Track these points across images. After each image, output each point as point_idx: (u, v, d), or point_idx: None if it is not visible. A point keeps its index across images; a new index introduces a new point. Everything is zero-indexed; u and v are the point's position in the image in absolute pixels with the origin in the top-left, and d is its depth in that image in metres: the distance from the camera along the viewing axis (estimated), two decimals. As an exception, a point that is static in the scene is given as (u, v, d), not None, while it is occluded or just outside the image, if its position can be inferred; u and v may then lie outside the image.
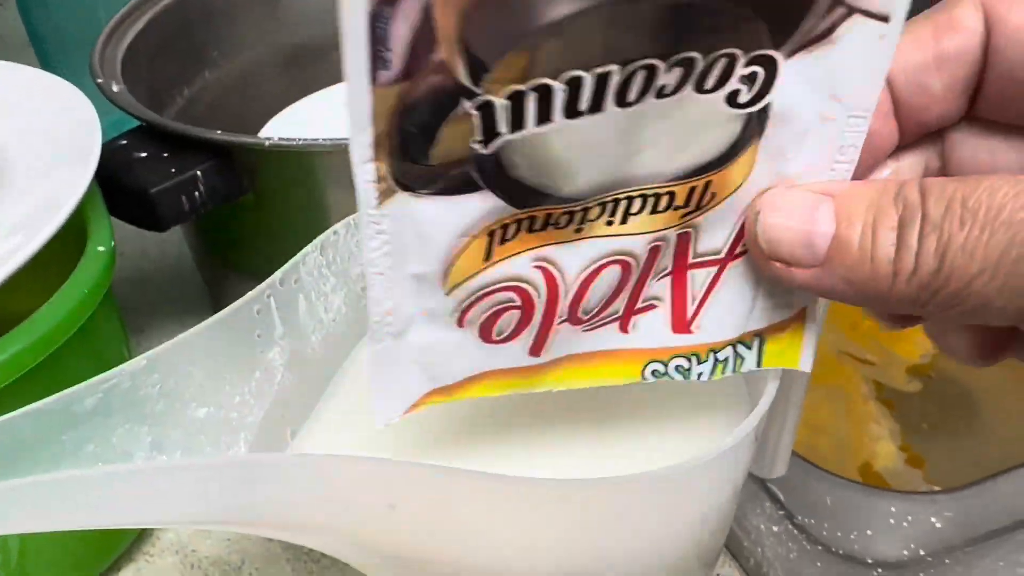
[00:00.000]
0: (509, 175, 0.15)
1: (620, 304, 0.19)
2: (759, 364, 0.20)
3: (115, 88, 0.34)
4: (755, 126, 0.16)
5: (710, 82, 0.15)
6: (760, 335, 0.20)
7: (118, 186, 0.31)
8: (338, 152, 0.30)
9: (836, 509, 0.30)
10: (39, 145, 0.31)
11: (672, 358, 0.20)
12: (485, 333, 0.18)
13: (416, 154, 0.14)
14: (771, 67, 0.15)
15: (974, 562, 0.28)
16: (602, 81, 0.14)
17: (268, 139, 0.30)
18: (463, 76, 0.13)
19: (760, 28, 0.15)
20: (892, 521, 0.29)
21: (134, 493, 0.17)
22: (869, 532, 0.29)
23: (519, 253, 0.17)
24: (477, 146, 0.15)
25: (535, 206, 0.16)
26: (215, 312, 0.41)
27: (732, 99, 0.16)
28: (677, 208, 0.17)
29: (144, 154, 0.32)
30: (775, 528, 0.29)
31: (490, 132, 0.14)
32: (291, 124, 0.43)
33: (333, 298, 0.24)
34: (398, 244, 0.16)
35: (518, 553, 0.19)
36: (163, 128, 0.32)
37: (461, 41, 0.13)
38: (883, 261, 0.16)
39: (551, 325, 0.18)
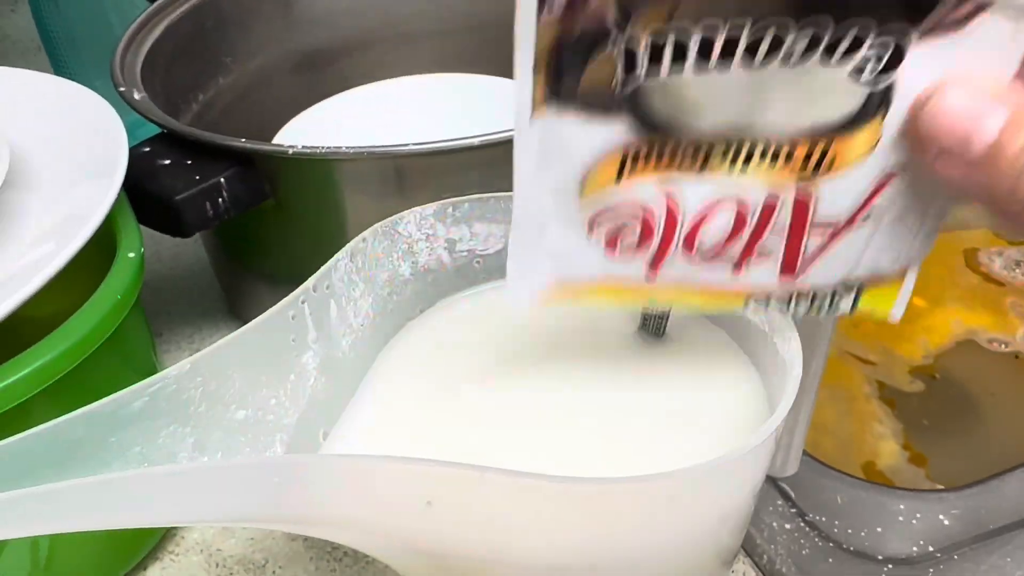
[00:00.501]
0: (645, 110, 0.18)
1: (734, 252, 0.21)
2: (852, 311, 0.22)
3: (137, 96, 0.35)
4: (878, 102, 0.18)
5: (838, 54, 0.17)
6: (860, 285, 0.21)
7: (143, 193, 0.31)
8: (359, 160, 0.31)
9: (847, 507, 0.31)
10: (65, 152, 0.31)
11: (774, 298, 0.22)
12: (610, 246, 0.20)
13: (568, 81, 0.17)
14: (900, 45, 0.17)
15: (982, 558, 0.29)
16: (733, 38, 0.17)
17: (292, 147, 0.30)
18: (610, 22, 0.17)
19: (895, 4, 0.16)
20: (901, 518, 0.30)
21: (180, 492, 0.18)
22: (879, 529, 0.30)
23: (647, 178, 0.19)
24: (618, 82, 0.17)
25: (666, 137, 0.18)
26: (232, 315, 0.41)
27: (857, 72, 0.17)
28: (796, 165, 0.19)
29: (168, 161, 0.32)
30: (787, 526, 0.30)
31: (629, 72, 0.17)
32: (305, 129, 0.44)
33: (362, 303, 0.24)
34: (543, 154, 0.18)
35: (549, 548, 0.19)
36: (187, 136, 0.32)
37: None
38: None
39: (667, 251, 0.20)
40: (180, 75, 0.42)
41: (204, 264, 0.45)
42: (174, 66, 0.41)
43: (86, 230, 0.26)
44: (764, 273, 0.21)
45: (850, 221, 0.20)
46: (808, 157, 0.19)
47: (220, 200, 0.31)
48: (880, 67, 0.17)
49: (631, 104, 0.18)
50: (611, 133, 0.18)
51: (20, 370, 0.24)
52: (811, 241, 0.20)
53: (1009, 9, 0.17)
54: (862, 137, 0.18)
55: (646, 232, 0.20)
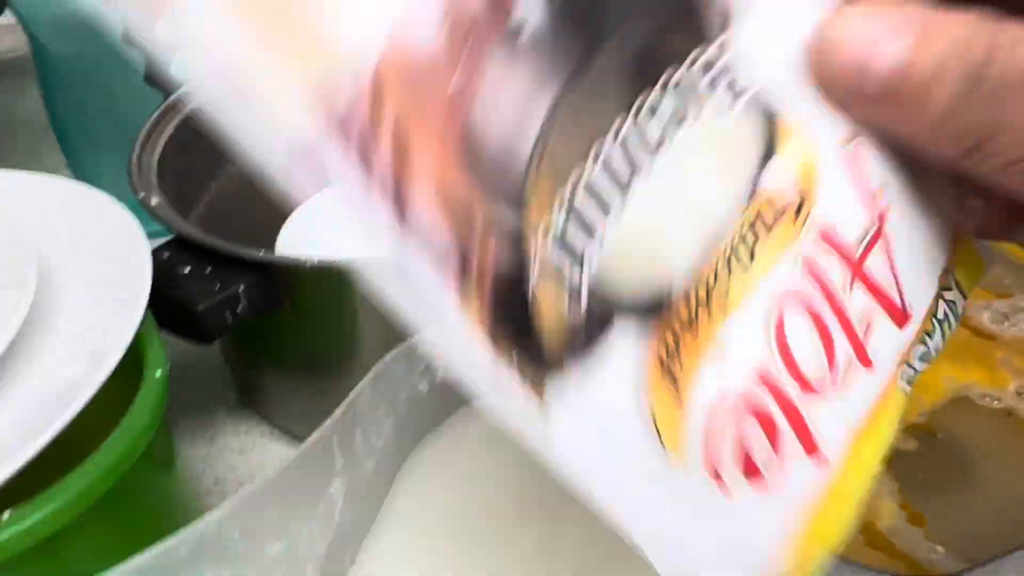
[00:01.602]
0: (615, 298, 0.14)
1: (842, 348, 0.17)
2: (965, 296, 0.20)
3: (154, 201, 0.36)
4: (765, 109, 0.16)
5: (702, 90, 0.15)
6: (948, 269, 0.19)
7: (164, 300, 0.32)
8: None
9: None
10: (88, 266, 0.32)
11: (911, 353, 0.19)
12: (749, 472, 0.15)
13: (526, 335, 0.13)
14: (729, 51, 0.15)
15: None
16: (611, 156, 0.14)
17: (309, 260, 0.31)
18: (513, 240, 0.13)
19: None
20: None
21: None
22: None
23: (699, 365, 0.15)
24: (569, 304, 0.13)
25: (667, 309, 0.15)
26: (243, 404, 0.41)
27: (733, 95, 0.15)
28: (781, 217, 0.16)
29: (188, 268, 0.33)
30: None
31: (573, 309, 0.13)
32: (309, 224, 0.45)
33: (384, 424, 0.25)
34: (593, 433, 0.14)
35: None
36: (206, 245, 0.33)
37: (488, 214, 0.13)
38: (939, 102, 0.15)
39: (797, 411, 0.16)
40: (189, 174, 0.43)
41: (216, 353, 0.45)
42: (185, 165, 0.42)
43: (114, 355, 0.27)
44: (885, 338, 0.17)
45: (878, 223, 0.17)
46: (780, 200, 0.16)
47: (239, 308, 0.32)
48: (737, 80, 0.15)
49: (602, 307, 0.14)
50: (625, 352, 0.14)
51: (52, 502, 0.24)
52: (874, 266, 0.17)
53: None
54: (792, 148, 0.16)
55: (765, 418, 0.15)
